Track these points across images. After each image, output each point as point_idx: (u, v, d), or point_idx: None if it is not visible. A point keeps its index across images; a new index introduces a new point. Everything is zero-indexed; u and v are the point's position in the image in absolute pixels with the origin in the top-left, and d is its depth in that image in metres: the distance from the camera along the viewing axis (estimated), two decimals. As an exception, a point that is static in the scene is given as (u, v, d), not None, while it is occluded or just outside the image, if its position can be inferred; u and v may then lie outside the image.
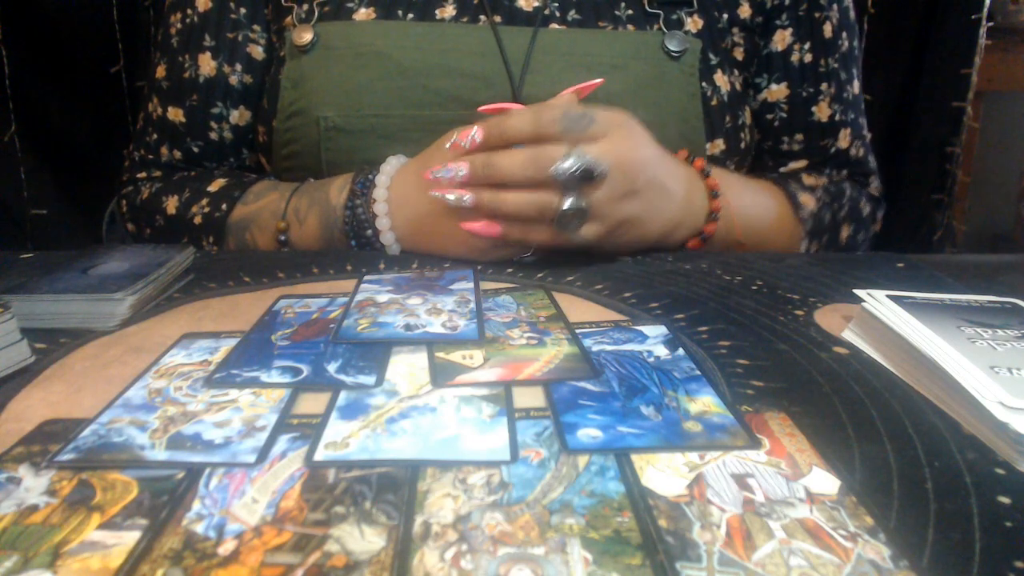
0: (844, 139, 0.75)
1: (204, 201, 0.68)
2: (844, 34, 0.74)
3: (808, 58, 0.73)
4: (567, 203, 0.50)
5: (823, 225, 0.71)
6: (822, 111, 0.74)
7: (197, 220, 0.68)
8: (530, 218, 0.52)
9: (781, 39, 0.73)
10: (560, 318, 0.45)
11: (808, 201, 0.70)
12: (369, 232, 0.60)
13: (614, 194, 0.52)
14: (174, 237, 0.69)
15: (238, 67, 0.72)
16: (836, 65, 0.74)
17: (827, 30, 0.73)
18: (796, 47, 0.73)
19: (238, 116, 0.74)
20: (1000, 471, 0.29)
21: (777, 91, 0.74)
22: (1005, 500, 0.27)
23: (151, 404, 0.34)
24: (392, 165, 0.61)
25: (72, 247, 0.58)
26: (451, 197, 0.53)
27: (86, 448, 0.30)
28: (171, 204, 0.70)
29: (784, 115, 0.75)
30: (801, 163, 0.76)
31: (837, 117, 0.74)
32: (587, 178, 0.50)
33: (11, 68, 1.11)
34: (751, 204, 0.67)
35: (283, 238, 0.64)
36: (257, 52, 0.73)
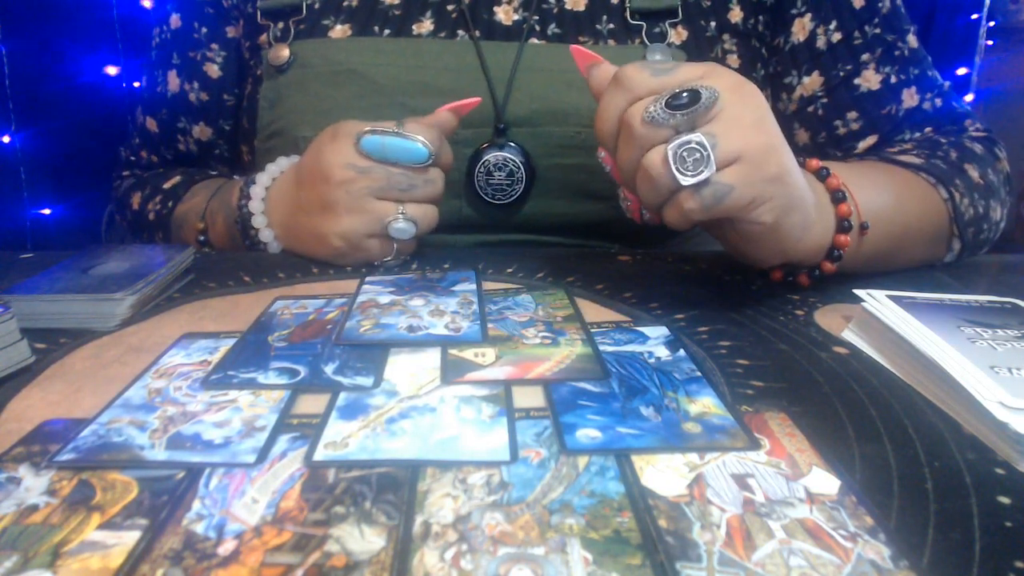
0: (910, 98, 0.67)
1: (157, 198, 0.73)
2: None
3: (836, 37, 0.67)
4: (680, 139, 0.40)
5: (946, 171, 0.59)
6: (868, 79, 0.67)
7: (151, 216, 0.72)
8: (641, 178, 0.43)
9: (801, 28, 0.68)
10: (577, 319, 0.45)
11: (912, 159, 0.61)
12: (252, 231, 0.60)
13: (743, 123, 0.41)
14: (139, 230, 0.75)
15: (195, 85, 0.75)
16: (878, 31, 0.67)
17: (856, 0, 0.68)
18: (820, 31, 0.68)
19: (199, 131, 0.76)
20: (1000, 471, 0.29)
21: (811, 82, 0.68)
22: (1005, 500, 0.27)
23: (151, 404, 0.34)
24: (279, 164, 0.61)
25: (72, 247, 0.58)
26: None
27: (86, 448, 0.30)
28: (136, 200, 0.75)
29: (825, 101, 0.68)
30: (870, 140, 0.68)
31: (892, 79, 0.67)
32: (694, 102, 0.40)
33: (11, 68, 1.11)
34: (875, 192, 0.54)
35: (202, 238, 0.66)
36: (213, 70, 0.74)
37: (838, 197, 0.50)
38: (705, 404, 0.34)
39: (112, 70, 1.18)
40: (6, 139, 1.15)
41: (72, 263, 0.51)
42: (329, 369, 0.38)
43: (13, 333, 0.38)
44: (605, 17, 0.66)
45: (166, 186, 0.73)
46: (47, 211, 1.23)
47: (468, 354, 0.39)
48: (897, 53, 0.68)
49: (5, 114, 1.12)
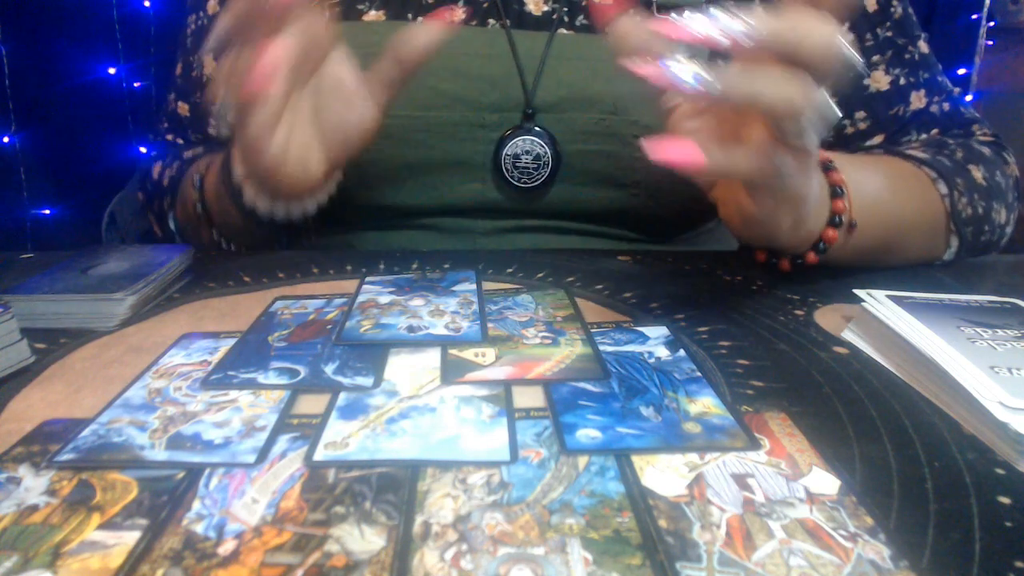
0: (918, 100, 0.68)
1: (175, 165, 0.74)
2: (895, 1, 0.69)
3: (848, 38, 0.69)
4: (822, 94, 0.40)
5: (949, 168, 0.60)
6: (878, 80, 0.68)
7: (165, 182, 0.73)
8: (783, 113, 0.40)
9: None
10: (577, 319, 0.45)
11: (918, 154, 0.62)
12: (232, 170, 0.57)
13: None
14: (156, 198, 0.76)
15: None
16: (889, 34, 0.68)
17: (870, 3, 0.68)
18: None
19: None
20: (1000, 471, 0.29)
21: None
22: (1005, 500, 0.27)
23: (151, 404, 0.34)
24: None
25: (72, 247, 0.58)
26: (688, 78, 0.39)
27: (86, 448, 0.30)
28: (156, 169, 0.76)
29: (834, 100, 0.71)
30: (876, 140, 0.68)
31: (902, 81, 0.68)
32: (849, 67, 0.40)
33: (11, 68, 1.11)
34: (873, 185, 0.55)
35: (198, 183, 0.65)
36: None
37: (836, 192, 0.51)
38: (705, 404, 0.34)
39: (112, 70, 1.18)
40: (6, 139, 1.15)
41: (72, 263, 0.51)
42: (329, 369, 0.38)
43: (13, 333, 0.38)
44: (632, 10, 0.67)
45: (187, 155, 0.75)
46: (47, 211, 1.23)
47: (468, 354, 0.39)
48: (908, 56, 0.69)
49: (5, 114, 1.12)
